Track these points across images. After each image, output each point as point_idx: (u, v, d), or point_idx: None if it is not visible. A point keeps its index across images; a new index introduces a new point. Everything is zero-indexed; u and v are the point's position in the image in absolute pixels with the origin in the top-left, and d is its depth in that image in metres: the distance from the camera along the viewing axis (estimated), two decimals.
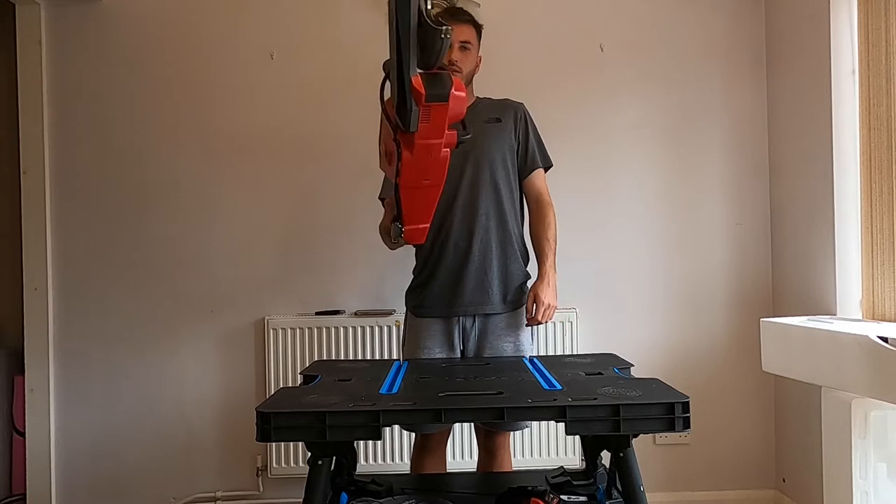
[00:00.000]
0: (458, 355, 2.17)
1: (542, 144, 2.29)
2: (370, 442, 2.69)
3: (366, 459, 2.72)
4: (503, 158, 2.19)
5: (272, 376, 2.75)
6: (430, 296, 2.17)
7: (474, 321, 2.17)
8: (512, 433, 2.39)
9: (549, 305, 2.14)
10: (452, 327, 2.17)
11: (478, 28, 2.21)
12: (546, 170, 2.29)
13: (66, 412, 2.80)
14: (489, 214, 2.16)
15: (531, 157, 2.25)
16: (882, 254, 2.28)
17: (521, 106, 2.28)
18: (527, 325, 2.19)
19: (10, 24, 2.80)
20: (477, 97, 2.26)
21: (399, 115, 1.39)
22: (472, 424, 2.44)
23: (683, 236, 2.90)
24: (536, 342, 2.59)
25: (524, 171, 2.25)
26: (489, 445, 2.23)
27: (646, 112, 2.89)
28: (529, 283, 2.24)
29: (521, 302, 2.21)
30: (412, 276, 2.27)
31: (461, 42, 2.13)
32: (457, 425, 2.67)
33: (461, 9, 2.30)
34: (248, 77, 2.84)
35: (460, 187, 2.14)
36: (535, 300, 2.14)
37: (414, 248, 2.27)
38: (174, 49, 2.84)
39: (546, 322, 2.16)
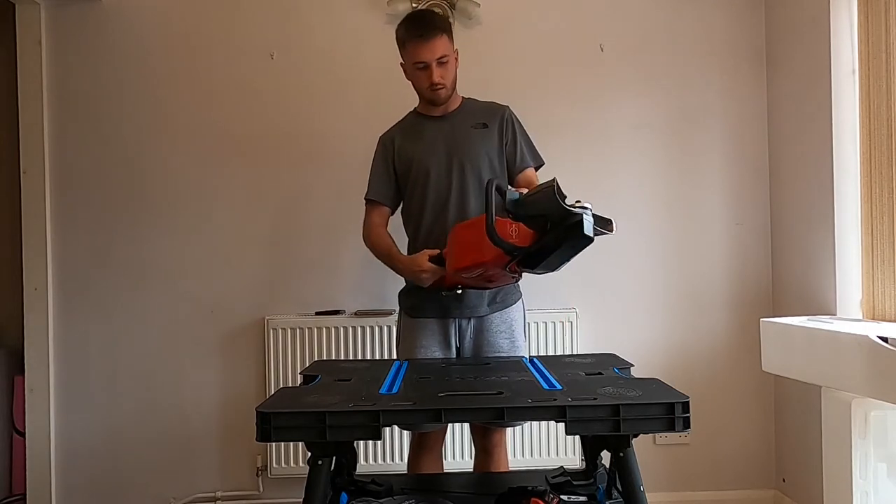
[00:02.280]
0: (454, 354, 2.18)
1: (531, 144, 2.27)
2: (370, 442, 2.69)
3: (366, 459, 2.72)
4: (490, 163, 2.18)
5: (272, 376, 2.75)
6: (426, 298, 2.16)
7: (469, 321, 2.17)
8: (508, 430, 2.39)
9: None
10: (448, 327, 2.17)
11: (448, 30, 2.14)
12: (537, 168, 2.27)
13: (66, 412, 2.80)
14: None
15: (520, 157, 2.23)
16: (882, 254, 2.28)
17: (507, 109, 2.25)
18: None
19: (10, 24, 2.79)
20: (463, 98, 2.25)
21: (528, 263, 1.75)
22: (469, 424, 2.44)
23: (683, 236, 2.90)
24: (529, 339, 2.60)
25: (514, 171, 2.23)
26: (485, 444, 2.23)
27: (646, 112, 2.89)
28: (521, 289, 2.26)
29: (512, 301, 2.21)
30: (407, 286, 2.26)
31: (438, 59, 2.09)
32: (455, 424, 2.67)
33: (427, 19, 2.15)
34: (248, 77, 2.84)
35: (450, 194, 2.14)
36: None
37: (407, 250, 2.27)
38: (174, 49, 2.84)
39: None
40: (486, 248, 1.70)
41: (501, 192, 1.72)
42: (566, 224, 1.62)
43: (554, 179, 1.63)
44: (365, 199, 2.26)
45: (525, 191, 1.73)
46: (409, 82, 2.20)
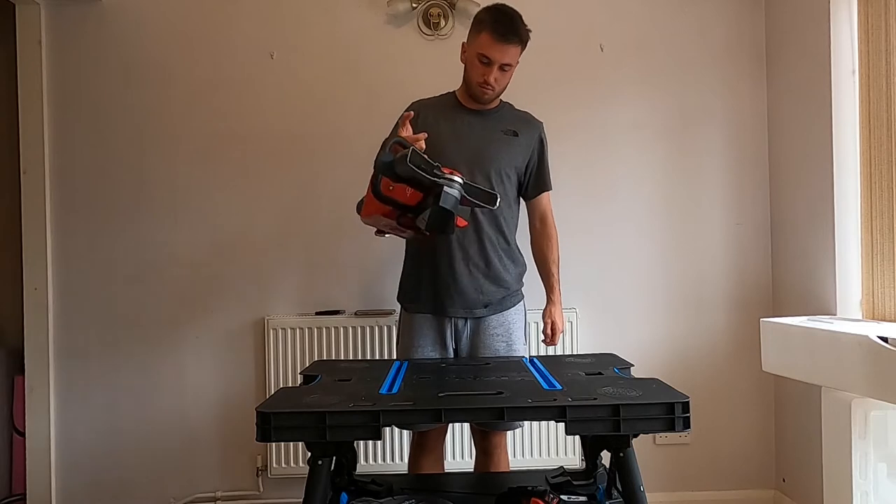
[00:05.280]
0: (451, 354, 2.17)
1: (548, 167, 2.30)
2: (370, 442, 2.69)
3: (366, 459, 2.72)
4: (508, 171, 2.19)
5: (272, 376, 2.75)
6: (424, 294, 2.16)
7: (466, 321, 2.17)
8: (508, 433, 2.39)
9: (562, 330, 2.32)
10: (445, 326, 2.17)
11: (525, 44, 2.13)
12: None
13: (66, 412, 2.80)
14: (488, 222, 2.15)
15: (542, 178, 2.27)
16: (882, 254, 2.28)
17: (542, 126, 2.28)
18: (546, 344, 2.33)
19: (10, 24, 2.79)
20: (501, 101, 2.25)
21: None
22: (469, 426, 2.44)
23: (683, 236, 2.90)
24: (529, 341, 2.60)
25: (534, 190, 2.27)
26: (486, 446, 2.23)
27: (646, 112, 2.89)
28: (523, 290, 2.27)
29: (511, 303, 2.21)
30: (403, 273, 2.26)
31: (503, 64, 2.08)
32: (455, 425, 2.67)
33: (516, 23, 2.10)
34: (248, 77, 2.83)
35: None
36: (553, 327, 2.26)
37: (404, 244, 2.26)
38: (174, 49, 2.83)
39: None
40: (373, 202, 1.74)
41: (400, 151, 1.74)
42: (433, 192, 1.65)
43: (411, 147, 1.64)
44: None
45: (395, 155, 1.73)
46: (462, 65, 2.18)
